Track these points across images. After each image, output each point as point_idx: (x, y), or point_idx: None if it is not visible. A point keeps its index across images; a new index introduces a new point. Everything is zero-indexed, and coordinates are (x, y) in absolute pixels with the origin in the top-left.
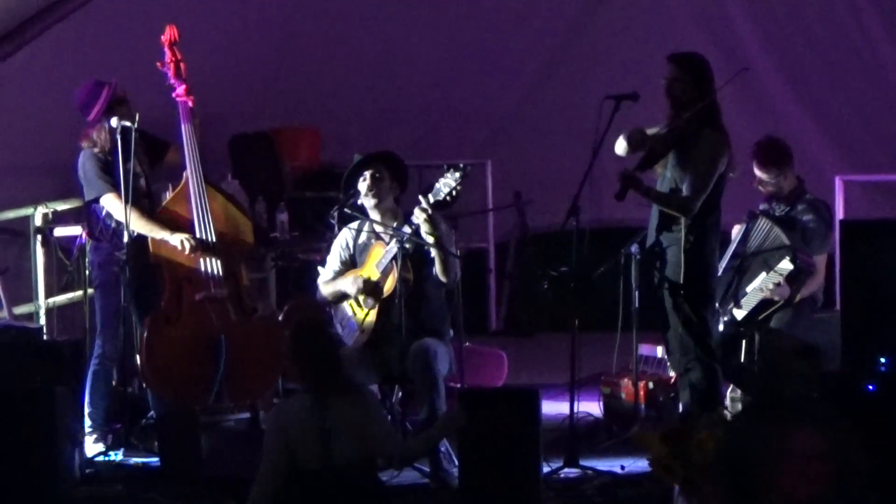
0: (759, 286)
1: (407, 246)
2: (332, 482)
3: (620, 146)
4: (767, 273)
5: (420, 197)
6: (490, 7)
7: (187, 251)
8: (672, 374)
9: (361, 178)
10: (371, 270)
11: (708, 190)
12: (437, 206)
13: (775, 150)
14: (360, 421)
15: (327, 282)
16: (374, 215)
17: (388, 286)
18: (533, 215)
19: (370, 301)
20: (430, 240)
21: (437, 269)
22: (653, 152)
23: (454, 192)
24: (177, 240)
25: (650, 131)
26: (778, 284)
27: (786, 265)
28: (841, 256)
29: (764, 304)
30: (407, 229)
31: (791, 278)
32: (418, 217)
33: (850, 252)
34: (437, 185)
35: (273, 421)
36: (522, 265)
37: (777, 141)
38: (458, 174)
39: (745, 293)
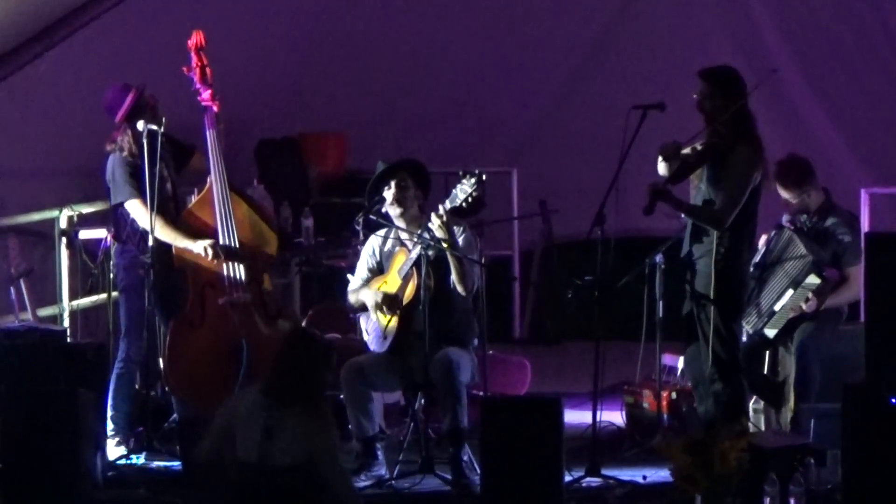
0: (789, 304)
1: (430, 253)
2: (268, 479)
3: (661, 165)
4: (795, 290)
5: (440, 206)
6: (518, 16)
7: (210, 258)
8: None
9: (387, 187)
10: (394, 277)
11: (741, 203)
12: (455, 212)
13: (796, 171)
14: (307, 430)
15: (353, 290)
16: (399, 223)
17: (409, 292)
18: (558, 224)
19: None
20: (445, 245)
21: (454, 277)
22: (684, 165)
23: (470, 199)
24: (199, 247)
25: (686, 151)
26: (807, 300)
27: (813, 280)
28: (866, 269)
29: (793, 319)
30: (427, 236)
31: (818, 292)
32: (434, 223)
33: (875, 264)
34: (454, 192)
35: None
36: (547, 274)
37: (797, 160)
38: (473, 180)
39: (774, 312)
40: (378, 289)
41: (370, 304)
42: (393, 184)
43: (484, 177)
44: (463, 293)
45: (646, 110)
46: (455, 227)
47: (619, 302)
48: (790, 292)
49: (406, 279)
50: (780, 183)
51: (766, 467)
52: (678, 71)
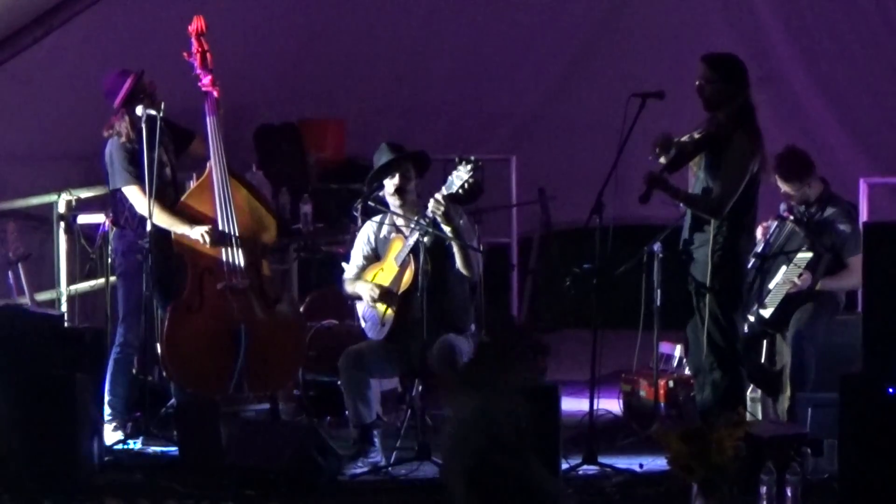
0: (782, 280)
1: (425, 239)
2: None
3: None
4: (788, 266)
5: (439, 193)
6: (518, 3)
7: (207, 244)
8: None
9: (390, 177)
10: (390, 264)
11: (738, 192)
12: (453, 199)
13: (797, 163)
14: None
15: (350, 279)
16: (398, 211)
17: (406, 280)
18: (556, 211)
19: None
20: (448, 230)
21: (459, 263)
22: (682, 154)
23: (466, 185)
24: (197, 233)
25: (684, 139)
26: (800, 275)
27: (805, 254)
28: (864, 258)
29: (789, 301)
30: (424, 222)
31: (811, 268)
32: (436, 210)
33: (873, 254)
34: (450, 178)
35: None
36: (545, 261)
37: (797, 153)
38: (469, 166)
39: (769, 290)
40: (374, 276)
41: (366, 298)
42: (398, 175)
43: (480, 163)
44: (469, 277)
45: (645, 98)
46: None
47: (616, 290)
48: (783, 268)
49: (403, 266)
50: (782, 176)
51: (763, 456)
52: (678, 59)
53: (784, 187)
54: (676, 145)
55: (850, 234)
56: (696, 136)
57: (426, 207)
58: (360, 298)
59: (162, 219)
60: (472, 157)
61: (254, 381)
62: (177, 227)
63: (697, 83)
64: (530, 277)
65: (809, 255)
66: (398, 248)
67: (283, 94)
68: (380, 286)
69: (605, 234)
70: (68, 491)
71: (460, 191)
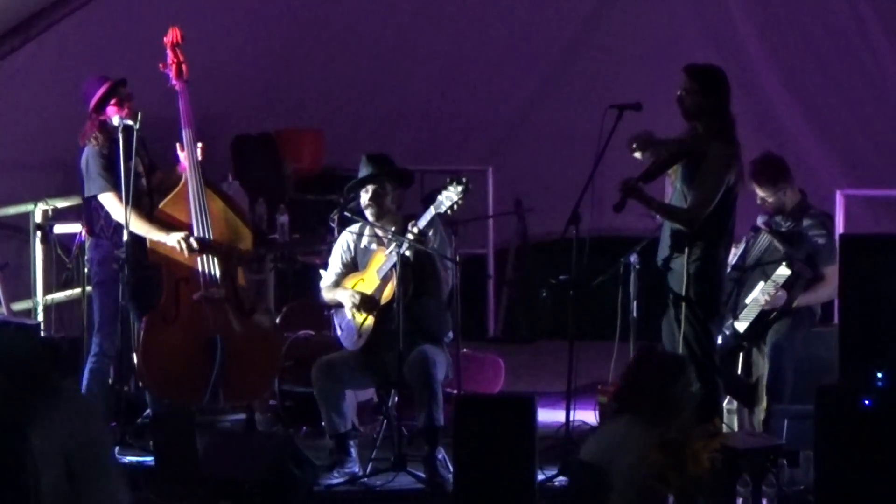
0: (757, 296)
1: (407, 253)
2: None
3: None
4: (765, 282)
5: (430, 213)
6: (495, 14)
7: (184, 251)
8: None
9: (364, 191)
10: (371, 276)
11: (713, 203)
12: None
13: (771, 168)
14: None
15: (328, 287)
16: (377, 223)
17: (388, 293)
18: (533, 223)
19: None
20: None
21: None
22: (658, 163)
23: (455, 206)
24: (173, 240)
25: (661, 138)
26: (776, 292)
27: (783, 271)
28: (840, 271)
29: (765, 315)
30: (409, 236)
31: (788, 286)
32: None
33: (849, 267)
34: (439, 198)
35: None
36: (522, 272)
37: (773, 158)
38: (460, 188)
39: (745, 304)
40: (354, 286)
41: (346, 304)
42: (371, 189)
43: (470, 185)
44: (434, 294)
45: (622, 110)
46: (430, 230)
47: (593, 301)
48: (760, 284)
49: (385, 280)
50: (755, 181)
51: (739, 468)
52: (655, 70)
53: (759, 192)
54: (656, 145)
55: (824, 245)
56: (674, 146)
57: (406, 220)
58: (339, 305)
59: (138, 226)
60: (464, 179)
61: (230, 391)
62: (153, 235)
63: (678, 93)
64: (506, 288)
65: (788, 272)
66: (380, 261)
67: (260, 104)
68: (361, 293)
69: (581, 246)
70: None
71: (448, 212)
